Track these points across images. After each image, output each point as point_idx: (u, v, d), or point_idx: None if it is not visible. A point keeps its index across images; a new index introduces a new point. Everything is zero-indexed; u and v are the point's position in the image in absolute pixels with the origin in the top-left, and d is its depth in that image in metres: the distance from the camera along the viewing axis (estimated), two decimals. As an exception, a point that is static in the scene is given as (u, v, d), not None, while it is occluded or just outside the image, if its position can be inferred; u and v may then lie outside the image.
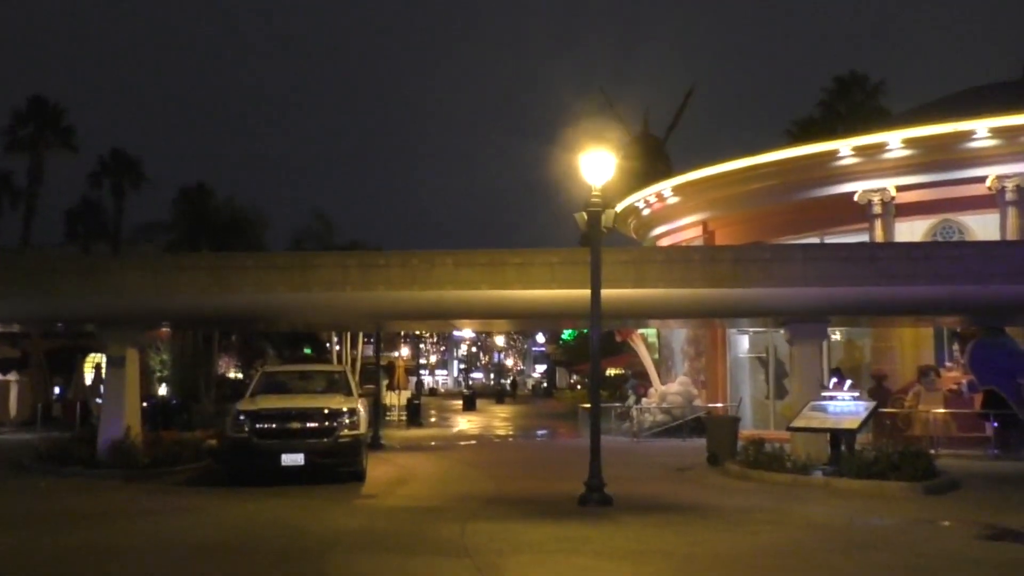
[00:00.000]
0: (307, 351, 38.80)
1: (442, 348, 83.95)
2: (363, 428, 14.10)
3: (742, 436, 17.89)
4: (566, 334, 57.12)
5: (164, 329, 36.15)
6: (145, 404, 26.24)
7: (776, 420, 23.83)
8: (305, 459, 13.41)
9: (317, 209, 33.60)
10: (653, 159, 36.01)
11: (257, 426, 13.51)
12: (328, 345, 34.40)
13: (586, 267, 15.76)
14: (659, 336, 28.56)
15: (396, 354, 49.02)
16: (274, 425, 13.56)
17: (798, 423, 14.87)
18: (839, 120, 43.12)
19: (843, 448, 14.60)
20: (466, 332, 74.78)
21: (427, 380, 76.39)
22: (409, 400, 30.90)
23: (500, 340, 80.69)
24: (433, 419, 35.04)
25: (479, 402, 45.64)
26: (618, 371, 50.22)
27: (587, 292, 14.91)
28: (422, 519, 10.52)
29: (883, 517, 11.40)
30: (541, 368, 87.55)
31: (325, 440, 13.58)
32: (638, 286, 15.78)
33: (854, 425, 14.28)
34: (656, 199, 25.79)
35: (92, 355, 35.21)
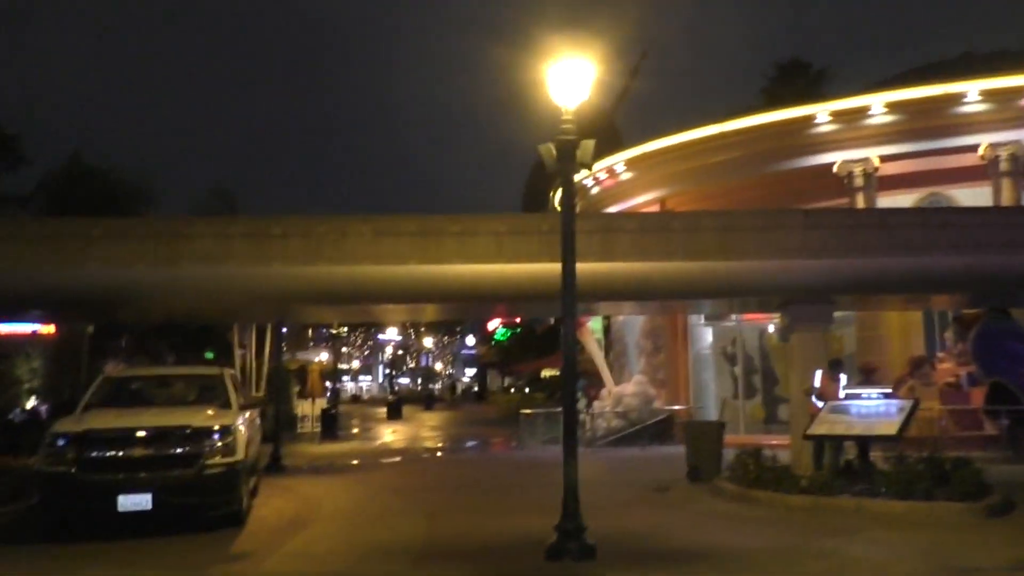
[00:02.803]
0: (209, 355, 33.88)
1: (366, 352, 79.13)
2: (241, 452, 10.02)
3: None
4: (499, 334, 53.41)
5: (40, 329, 31.16)
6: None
7: (746, 423, 20.66)
8: (154, 500, 9.29)
9: (217, 185, 28.93)
10: (600, 132, 32.64)
11: (84, 455, 9.30)
12: (235, 349, 29.72)
13: (539, 237, 12.43)
14: (608, 330, 25.10)
15: (315, 359, 44.46)
16: (109, 453, 9.38)
17: (818, 429, 11.47)
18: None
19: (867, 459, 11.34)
20: (391, 334, 70.25)
21: (350, 386, 71.47)
22: (324, 410, 26.59)
23: (428, 342, 76.33)
24: (355, 430, 30.82)
25: (406, 409, 41.45)
26: (554, 372, 46.79)
27: (541, 267, 11.84)
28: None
29: (969, 558, 8.03)
30: (471, 371, 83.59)
31: (185, 471, 9.48)
32: (605, 259, 12.29)
33: (891, 430, 10.95)
34: (607, 175, 22.28)
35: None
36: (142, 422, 9.72)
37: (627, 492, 13.01)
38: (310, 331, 49.05)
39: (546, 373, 47.82)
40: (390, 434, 28.41)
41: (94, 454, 9.34)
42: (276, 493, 13.15)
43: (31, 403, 27.93)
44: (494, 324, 59.21)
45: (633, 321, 23.14)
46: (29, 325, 32.34)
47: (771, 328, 20.61)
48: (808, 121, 19.70)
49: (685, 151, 20.23)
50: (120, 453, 9.38)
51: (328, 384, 29.69)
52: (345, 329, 52.60)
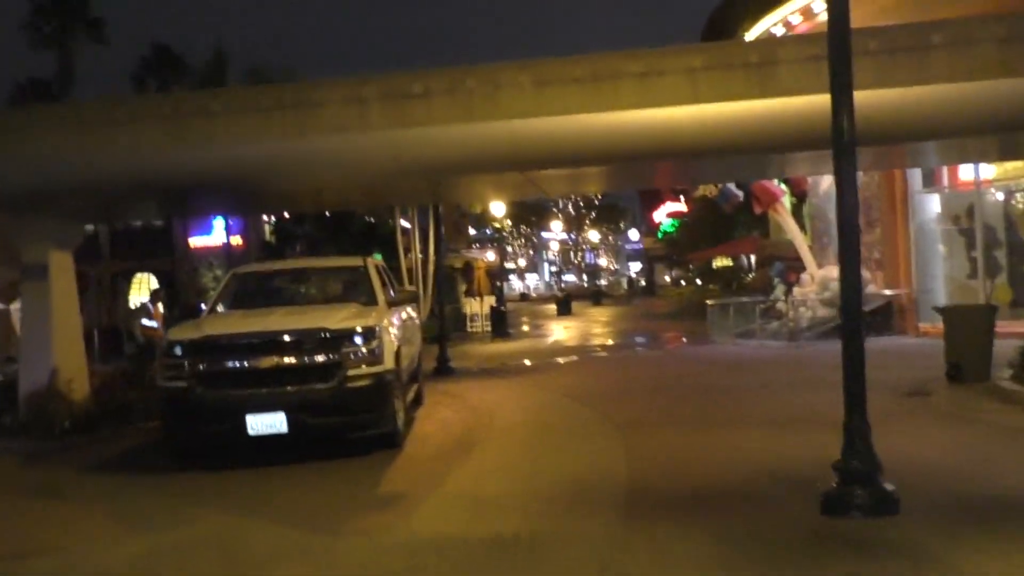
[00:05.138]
0: (377, 256, 32.84)
1: (530, 251, 77.50)
2: (390, 359, 7.75)
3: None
4: (666, 226, 49.56)
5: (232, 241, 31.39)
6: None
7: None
8: (289, 420, 7.23)
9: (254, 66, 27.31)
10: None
11: (204, 367, 7.34)
12: (399, 248, 28.24)
13: (746, 71, 9.30)
14: (807, 205, 21.08)
15: (481, 258, 42.93)
16: (233, 363, 7.37)
17: None
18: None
19: None
20: (555, 231, 67.89)
21: (517, 285, 70.27)
22: (493, 308, 24.56)
23: (593, 236, 73.33)
24: (525, 327, 28.88)
25: (575, 305, 39.07)
26: (727, 263, 42.72)
27: (750, 105, 9.11)
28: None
29: None
30: (635, 266, 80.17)
31: (322, 385, 7.34)
32: (885, 84, 8.77)
33: None
34: (801, 17, 17.92)
35: (139, 275, 30.53)
36: (269, 325, 7.61)
37: (874, 399, 9.71)
38: (471, 230, 47.38)
39: (718, 263, 43.88)
40: (562, 331, 26.17)
41: (215, 365, 7.36)
42: (443, 401, 11.07)
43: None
44: (660, 216, 55.25)
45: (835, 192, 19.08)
46: (219, 238, 32.97)
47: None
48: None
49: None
50: (245, 364, 7.35)
51: (497, 283, 27.64)
52: (508, 223, 50.55)
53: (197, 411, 7.29)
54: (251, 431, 7.23)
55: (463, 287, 26.21)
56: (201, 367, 7.32)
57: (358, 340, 7.49)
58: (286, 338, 7.40)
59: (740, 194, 19.10)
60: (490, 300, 25.50)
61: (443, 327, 15.46)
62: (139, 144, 9.71)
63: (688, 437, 7.83)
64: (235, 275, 9.35)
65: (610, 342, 21.09)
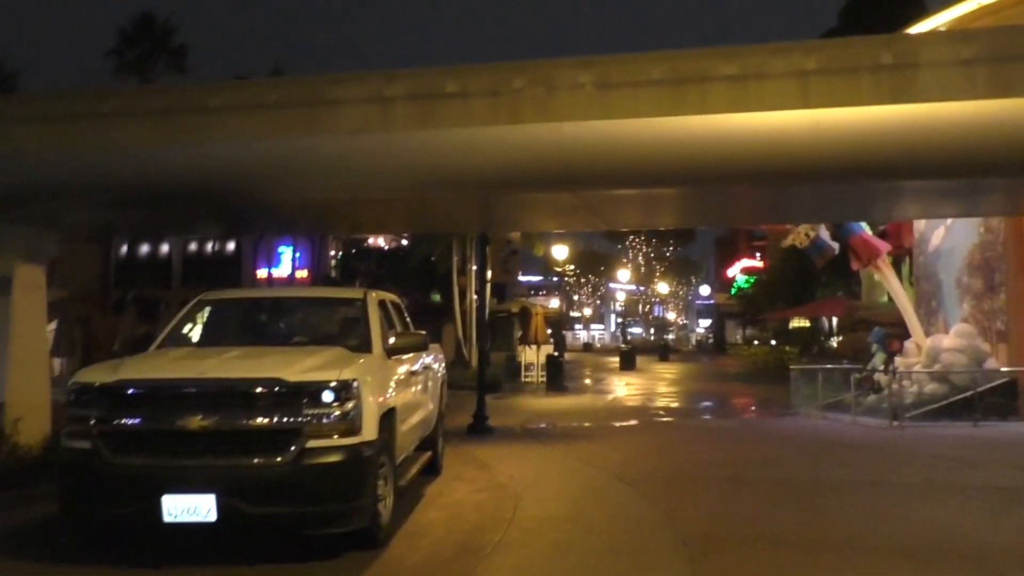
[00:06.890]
0: (436, 297, 30.86)
1: (598, 302, 74.70)
2: (370, 427, 5.49)
3: None
4: (740, 281, 46.44)
5: (296, 274, 30.23)
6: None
7: None
8: (220, 507, 5.05)
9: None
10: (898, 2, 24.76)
11: (112, 424, 5.25)
12: (454, 291, 26.21)
13: (873, 75, 7.03)
14: (906, 264, 18.15)
15: (542, 304, 40.57)
16: (151, 421, 5.26)
17: None
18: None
19: None
20: (622, 279, 65.07)
21: (582, 335, 67.43)
22: (550, 357, 22.12)
23: (662, 288, 69.95)
24: (586, 380, 26.35)
25: (639, 360, 36.08)
26: (803, 323, 39.27)
27: (881, 111, 6.70)
28: None
29: None
30: (704, 322, 76.36)
31: (271, 459, 5.15)
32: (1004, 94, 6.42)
33: None
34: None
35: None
36: (205, 371, 5.47)
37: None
38: (537, 276, 45.21)
39: (795, 324, 40.45)
40: (623, 387, 23.50)
41: (128, 423, 5.26)
42: (464, 472, 8.79)
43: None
44: (734, 271, 52.08)
45: (950, 251, 16.17)
46: (287, 270, 32.38)
47: None
48: None
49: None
50: (169, 423, 5.22)
51: (550, 330, 25.18)
52: (572, 268, 48.17)
53: (100, 484, 5.18)
54: (167, 517, 5.07)
55: (518, 333, 23.88)
56: (110, 424, 5.24)
57: (326, 398, 5.29)
58: (226, 390, 5.25)
59: (836, 246, 16.36)
60: (547, 349, 23.08)
61: (483, 377, 13.16)
62: (125, 142, 8.00)
63: (791, 571, 5.28)
64: (200, 302, 7.27)
65: (676, 405, 18.37)
